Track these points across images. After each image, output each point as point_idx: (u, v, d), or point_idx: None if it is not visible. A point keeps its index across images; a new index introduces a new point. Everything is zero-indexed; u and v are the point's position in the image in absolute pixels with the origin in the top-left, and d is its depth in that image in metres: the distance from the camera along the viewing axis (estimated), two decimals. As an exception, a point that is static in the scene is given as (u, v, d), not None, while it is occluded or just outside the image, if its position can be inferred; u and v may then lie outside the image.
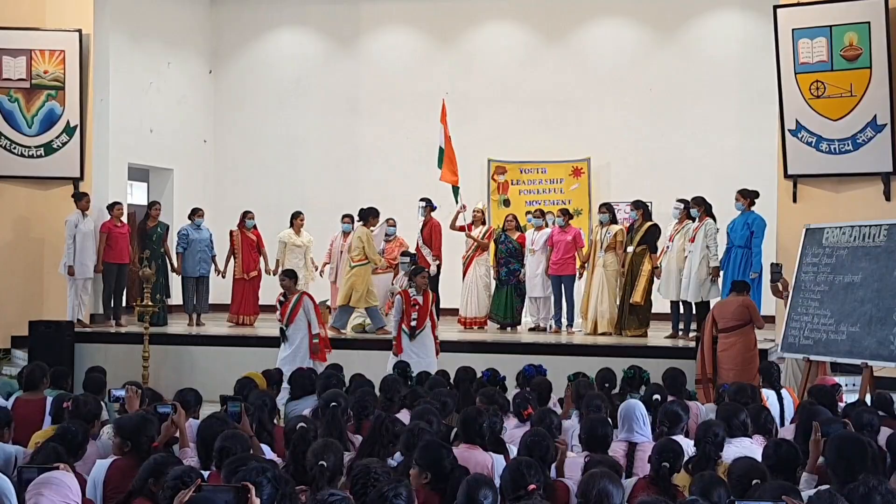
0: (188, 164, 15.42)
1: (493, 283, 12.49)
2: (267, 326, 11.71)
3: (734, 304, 9.23)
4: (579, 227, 12.97)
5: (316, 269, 13.00)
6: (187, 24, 15.55)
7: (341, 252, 12.58)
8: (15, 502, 3.92)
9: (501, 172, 14.99)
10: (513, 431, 5.86)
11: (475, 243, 12.46)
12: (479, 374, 7.46)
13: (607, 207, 11.96)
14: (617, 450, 5.32)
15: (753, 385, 6.99)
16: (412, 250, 12.43)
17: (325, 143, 15.73)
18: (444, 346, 9.95)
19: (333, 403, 5.68)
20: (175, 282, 12.81)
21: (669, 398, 6.36)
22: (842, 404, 6.71)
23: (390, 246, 12.56)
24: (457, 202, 12.71)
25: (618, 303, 11.60)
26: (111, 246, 12.11)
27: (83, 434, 5.08)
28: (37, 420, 6.40)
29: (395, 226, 12.78)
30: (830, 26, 10.67)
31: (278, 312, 9.84)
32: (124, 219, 12.54)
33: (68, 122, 12.38)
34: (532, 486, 4.02)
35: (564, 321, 12.26)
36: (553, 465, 4.86)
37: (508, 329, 12.30)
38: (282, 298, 9.81)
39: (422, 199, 12.61)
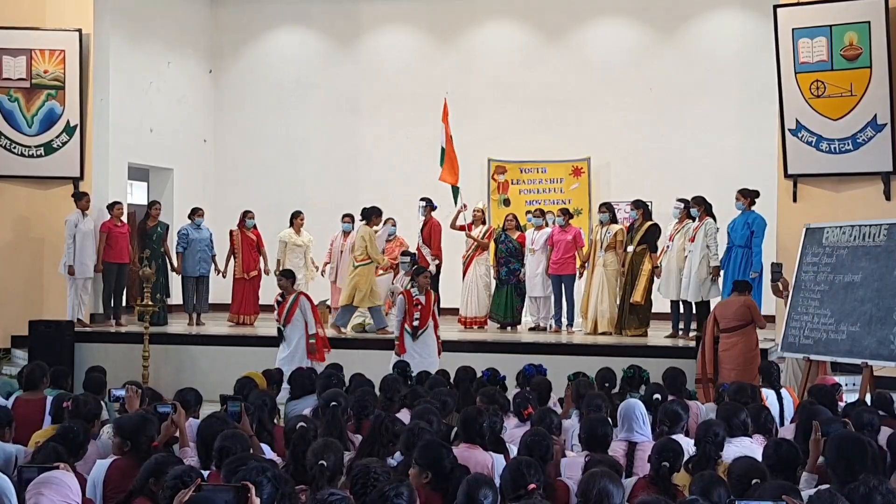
0: (188, 163, 15.42)
1: (494, 282, 12.49)
2: (267, 326, 11.70)
3: (736, 304, 9.23)
4: (579, 227, 12.98)
5: (317, 269, 13.00)
6: (187, 24, 15.55)
7: (341, 252, 12.59)
8: (15, 502, 3.92)
9: (501, 172, 15.00)
10: (513, 431, 5.86)
11: (475, 243, 12.47)
12: (479, 374, 7.46)
13: (607, 207, 11.96)
14: (617, 449, 5.32)
15: (753, 384, 6.99)
16: (412, 250, 12.42)
17: (325, 143, 15.73)
18: (444, 346, 9.94)
19: (333, 403, 5.68)
20: (175, 281, 12.82)
21: (669, 398, 6.36)
22: (842, 404, 6.71)
23: (390, 246, 12.56)
24: (455, 203, 12.72)
25: (618, 302, 11.61)
26: (111, 245, 12.11)
27: (84, 434, 5.08)
28: (37, 420, 6.39)
29: (395, 225, 12.78)
30: (830, 26, 10.66)
31: (276, 312, 9.85)
32: (124, 218, 12.54)
33: (68, 122, 12.38)
34: (532, 486, 4.02)
35: (564, 321, 12.26)
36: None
37: (508, 329, 12.30)
38: (279, 298, 9.81)
39: (422, 199, 12.61)
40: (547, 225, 12.46)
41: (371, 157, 15.57)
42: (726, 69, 14.46)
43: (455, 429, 5.30)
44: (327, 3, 15.80)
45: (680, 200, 11.30)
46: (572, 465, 5.01)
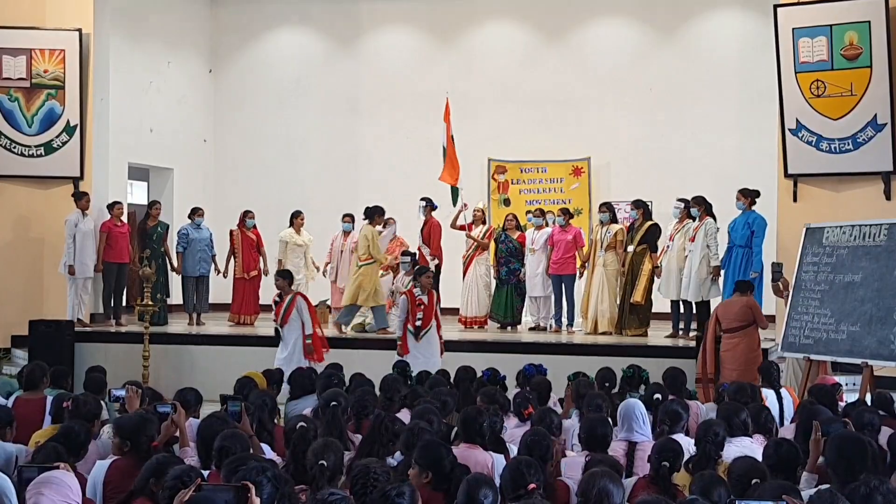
0: (188, 163, 15.43)
1: (494, 282, 12.49)
2: (267, 326, 11.65)
3: (738, 305, 9.22)
4: (579, 227, 12.97)
5: (318, 270, 12.99)
6: (187, 24, 15.55)
7: (341, 252, 12.59)
8: (15, 501, 3.92)
9: (502, 172, 14.99)
10: (513, 431, 5.86)
11: (475, 243, 12.47)
12: (479, 374, 7.46)
13: (607, 207, 11.96)
14: (617, 449, 5.32)
15: (753, 384, 6.98)
16: (412, 250, 12.42)
17: (325, 143, 15.73)
18: (444, 346, 9.93)
19: (333, 403, 5.68)
20: (175, 281, 12.82)
21: (670, 397, 6.36)
22: (842, 404, 6.71)
23: (391, 245, 12.55)
24: (454, 204, 12.72)
25: (618, 302, 11.61)
26: (111, 245, 12.11)
27: (86, 434, 5.08)
28: (37, 419, 6.39)
29: (394, 224, 12.77)
30: (831, 25, 10.66)
31: (273, 312, 9.85)
32: (124, 218, 12.54)
33: (68, 122, 12.37)
34: (532, 486, 4.01)
35: (565, 321, 12.26)
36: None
37: (509, 328, 12.30)
38: (277, 299, 9.80)
39: (422, 199, 12.61)
40: (547, 225, 12.46)
41: (371, 157, 15.57)
42: (726, 69, 14.46)
43: (455, 429, 5.30)
44: (327, 3, 15.80)
45: (680, 200, 11.30)
46: (572, 465, 5.00)
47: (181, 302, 12.81)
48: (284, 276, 9.85)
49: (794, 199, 11.10)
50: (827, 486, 4.09)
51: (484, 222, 12.82)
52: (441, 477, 4.24)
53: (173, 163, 15.12)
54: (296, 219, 12.85)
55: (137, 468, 4.32)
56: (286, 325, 9.60)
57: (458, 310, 12.59)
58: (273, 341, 10.00)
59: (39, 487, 3.66)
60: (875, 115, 10.55)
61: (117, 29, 13.34)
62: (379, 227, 11.80)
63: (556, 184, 14.85)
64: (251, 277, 12.58)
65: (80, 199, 12.00)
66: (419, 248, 12.35)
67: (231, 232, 12.71)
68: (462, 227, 12.67)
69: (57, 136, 12.41)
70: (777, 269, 9.70)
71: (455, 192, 12.67)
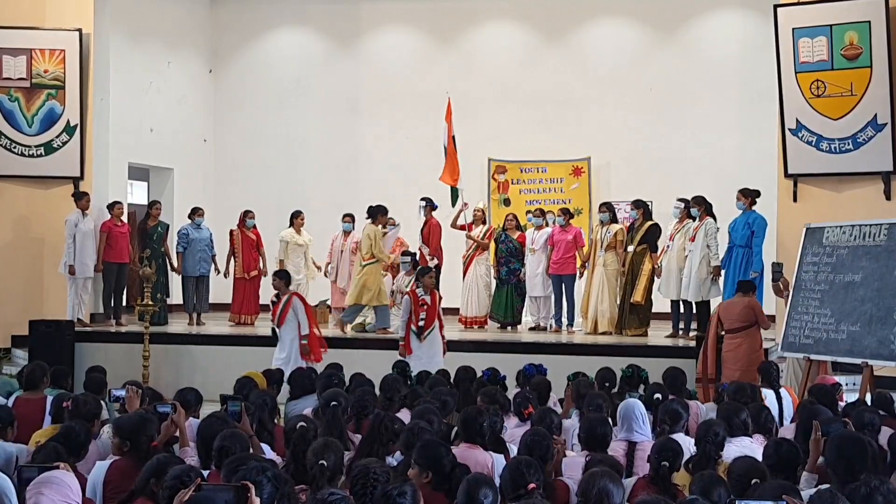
0: (188, 163, 15.42)
1: (494, 282, 12.49)
2: (267, 326, 11.66)
3: (740, 305, 9.21)
4: (580, 227, 12.97)
5: (319, 269, 12.98)
6: (187, 24, 15.55)
7: (342, 251, 12.59)
8: (15, 501, 3.92)
9: (502, 172, 14.99)
10: (513, 431, 5.86)
11: (475, 243, 12.47)
12: (479, 374, 7.46)
13: (607, 207, 11.96)
14: (616, 449, 5.32)
15: (753, 384, 6.99)
16: (413, 250, 12.42)
17: (325, 143, 15.73)
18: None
19: (333, 403, 5.68)
20: (175, 281, 12.82)
21: (670, 397, 6.36)
22: (842, 403, 6.71)
23: (392, 246, 12.55)
24: (453, 204, 12.72)
25: (618, 302, 11.61)
26: (111, 245, 12.11)
27: (86, 434, 5.08)
28: (37, 419, 6.39)
29: (395, 225, 12.77)
30: (831, 25, 10.66)
31: (270, 313, 9.84)
32: (124, 218, 12.54)
33: (68, 122, 12.38)
34: (532, 486, 4.01)
35: (565, 320, 12.26)
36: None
37: (509, 328, 12.30)
38: (274, 299, 9.79)
39: (422, 199, 12.60)
40: (547, 225, 12.46)
41: (371, 157, 15.57)
42: (726, 69, 14.46)
43: (455, 429, 5.30)
44: (327, 3, 15.79)
45: (680, 200, 11.30)
46: (572, 465, 5.00)
47: (181, 302, 12.82)
48: (281, 277, 9.83)
49: (794, 199, 11.10)
50: (827, 486, 4.09)
51: (484, 222, 12.82)
52: (441, 477, 4.24)
53: (173, 163, 15.12)
54: (296, 219, 12.85)
55: (137, 468, 4.32)
56: (283, 325, 9.59)
57: (458, 310, 12.59)
58: (273, 341, 10.00)
59: (39, 487, 3.66)
60: (875, 115, 10.55)
61: (117, 29, 13.35)
62: (384, 229, 11.80)
63: (556, 184, 14.85)
64: (251, 277, 12.58)
65: (81, 199, 12.00)
66: (419, 249, 12.35)
67: (231, 232, 12.71)
68: (462, 227, 12.67)
69: (57, 136, 12.41)
70: (777, 269, 9.70)
71: (455, 193, 12.66)
